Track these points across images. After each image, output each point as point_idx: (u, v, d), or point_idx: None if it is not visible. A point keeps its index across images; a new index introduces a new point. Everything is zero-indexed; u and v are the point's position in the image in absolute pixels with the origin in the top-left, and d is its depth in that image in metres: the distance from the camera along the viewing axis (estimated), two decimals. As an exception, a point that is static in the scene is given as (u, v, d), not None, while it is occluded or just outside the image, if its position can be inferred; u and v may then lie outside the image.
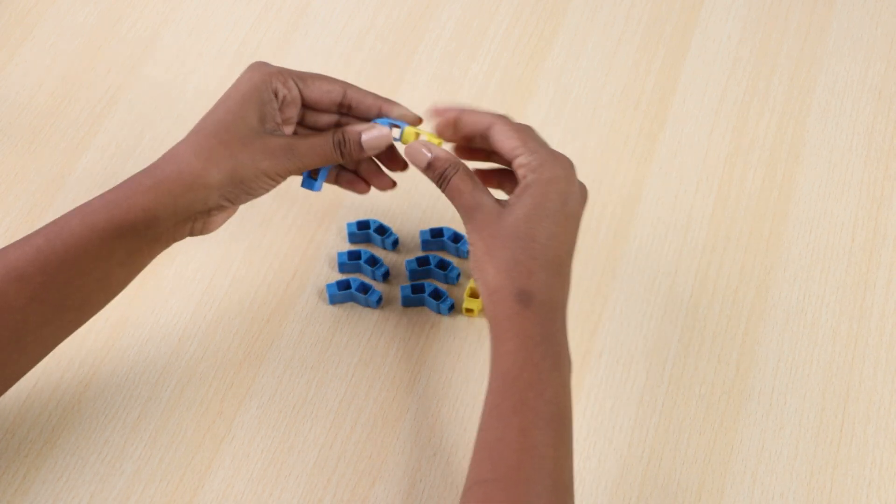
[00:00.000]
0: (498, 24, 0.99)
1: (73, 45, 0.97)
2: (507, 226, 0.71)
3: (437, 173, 0.74)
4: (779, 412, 0.80)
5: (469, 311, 0.83)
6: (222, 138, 0.72)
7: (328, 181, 0.80)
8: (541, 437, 0.67)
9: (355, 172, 0.80)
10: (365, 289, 0.83)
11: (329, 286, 0.83)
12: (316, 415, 0.79)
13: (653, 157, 0.91)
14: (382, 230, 0.86)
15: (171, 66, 0.96)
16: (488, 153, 0.77)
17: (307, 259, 0.86)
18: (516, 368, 0.69)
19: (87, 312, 0.73)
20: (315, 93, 0.76)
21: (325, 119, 0.78)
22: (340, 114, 0.78)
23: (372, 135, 0.75)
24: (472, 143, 0.76)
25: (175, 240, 0.74)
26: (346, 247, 0.86)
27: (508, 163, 0.74)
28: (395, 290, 0.84)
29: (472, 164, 0.76)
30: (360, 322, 0.83)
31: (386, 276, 0.84)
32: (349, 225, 0.86)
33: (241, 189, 0.73)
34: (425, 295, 0.83)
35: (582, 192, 0.74)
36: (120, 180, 0.73)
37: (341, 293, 0.83)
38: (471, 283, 0.83)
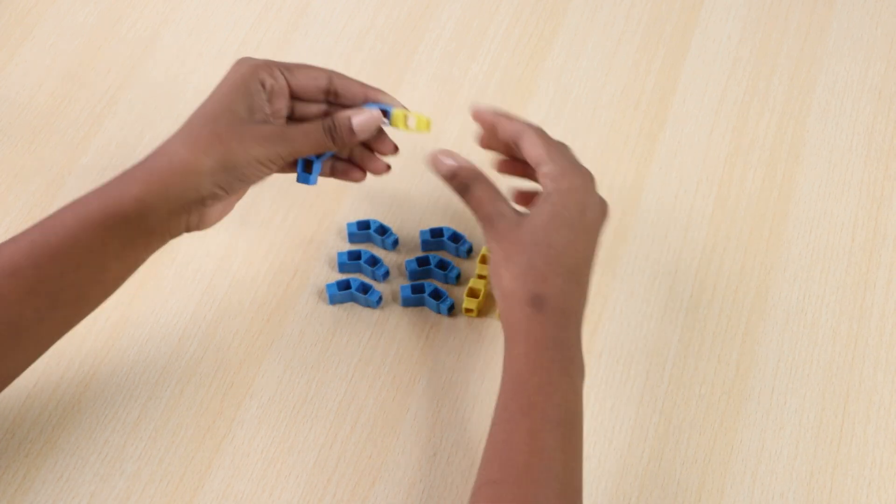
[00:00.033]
0: (498, 24, 0.99)
1: (73, 45, 0.97)
2: (525, 233, 0.72)
3: (459, 182, 0.75)
4: (779, 412, 0.80)
5: (469, 311, 0.83)
6: (212, 128, 0.73)
7: (323, 174, 0.80)
8: (550, 440, 0.67)
9: (348, 161, 0.80)
10: (365, 289, 0.83)
11: (329, 286, 0.83)
12: (316, 415, 0.79)
13: (653, 157, 0.91)
14: (382, 230, 0.86)
15: (171, 66, 0.96)
16: (524, 165, 0.78)
17: (307, 259, 0.86)
18: (527, 371, 0.69)
19: (83, 308, 0.73)
20: (302, 81, 0.77)
21: (314, 109, 0.78)
22: (328, 103, 0.78)
23: (362, 118, 0.76)
24: (506, 149, 0.78)
25: (171, 234, 0.74)
26: (346, 247, 0.86)
27: (534, 172, 0.76)
28: (395, 290, 0.84)
29: (509, 181, 0.80)
30: (360, 322, 0.83)
31: (386, 276, 0.84)
32: (349, 225, 0.86)
33: (233, 176, 0.73)
34: (425, 295, 0.83)
35: (602, 207, 0.75)
36: (120, 180, 0.73)
37: (341, 293, 0.83)
38: (470, 283, 0.83)
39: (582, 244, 0.73)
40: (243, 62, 0.76)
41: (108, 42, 0.97)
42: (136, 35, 0.98)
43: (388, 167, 0.80)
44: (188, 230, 0.75)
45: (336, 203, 0.88)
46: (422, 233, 0.86)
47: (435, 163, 0.77)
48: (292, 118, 0.78)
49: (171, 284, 0.84)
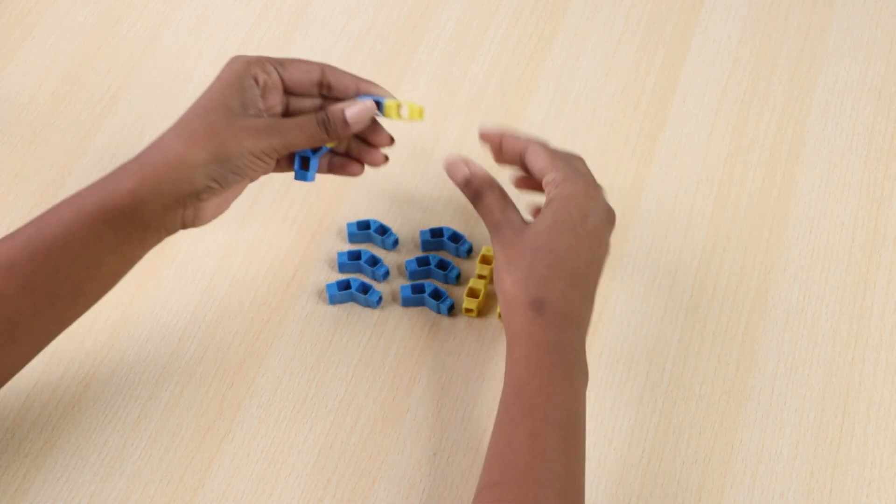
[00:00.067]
0: (498, 24, 0.99)
1: (73, 45, 0.97)
2: (527, 239, 0.73)
3: (473, 190, 0.77)
4: (779, 412, 0.80)
5: (469, 311, 0.83)
6: (205, 122, 0.73)
7: (321, 171, 0.80)
8: (551, 442, 0.67)
9: (346, 155, 0.81)
10: (365, 289, 0.83)
11: (329, 286, 0.83)
12: (316, 415, 0.79)
13: (653, 157, 0.91)
14: (382, 230, 0.86)
15: (171, 66, 0.96)
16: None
17: (307, 259, 0.86)
18: (527, 374, 0.70)
19: (80, 304, 0.73)
20: (294, 75, 0.77)
21: (309, 103, 0.79)
22: (322, 96, 0.79)
23: (355, 109, 0.76)
24: (514, 164, 0.79)
25: (166, 229, 0.74)
26: (346, 247, 0.86)
27: (540, 183, 0.77)
28: (395, 290, 0.84)
29: (530, 198, 0.81)
30: (360, 322, 0.83)
31: (386, 276, 0.84)
32: (349, 225, 0.86)
33: (227, 168, 0.73)
34: (425, 295, 0.83)
35: (608, 214, 0.76)
36: (120, 180, 0.73)
37: (341, 293, 0.83)
38: (470, 283, 0.83)
39: (585, 249, 0.74)
40: (236, 59, 0.76)
41: (108, 42, 0.97)
42: (136, 35, 0.98)
43: (386, 158, 0.81)
44: (184, 226, 0.75)
45: (336, 203, 0.88)
46: (422, 233, 0.86)
47: (451, 170, 0.79)
48: (287, 114, 0.79)
49: (171, 284, 0.84)
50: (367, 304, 0.83)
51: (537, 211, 0.81)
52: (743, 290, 0.85)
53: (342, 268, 0.85)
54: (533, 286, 0.72)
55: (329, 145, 0.79)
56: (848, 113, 0.94)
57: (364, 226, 0.86)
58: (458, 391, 0.80)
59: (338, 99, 0.78)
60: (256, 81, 0.75)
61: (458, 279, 0.85)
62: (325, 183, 0.88)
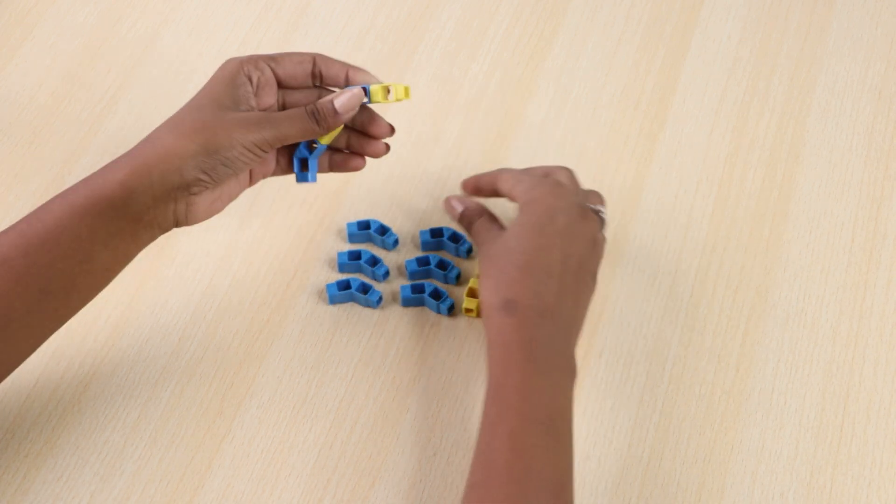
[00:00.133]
0: (498, 24, 0.99)
1: (73, 45, 0.97)
2: (499, 246, 0.76)
3: (466, 221, 0.83)
4: (779, 412, 0.80)
5: (469, 311, 0.83)
6: (197, 117, 0.74)
7: (322, 171, 0.81)
8: (531, 439, 0.68)
9: (346, 151, 0.81)
10: (365, 289, 0.83)
11: (329, 286, 0.83)
12: (316, 415, 0.79)
13: (653, 157, 0.91)
14: (382, 230, 0.86)
15: (171, 66, 0.96)
16: None
17: (307, 259, 0.86)
18: (502, 375, 0.71)
19: (74, 300, 0.72)
20: (288, 68, 0.78)
21: (304, 98, 0.79)
22: (316, 87, 0.79)
23: (344, 98, 0.77)
24: (492, 195, 0.83)
25: (159, 225, 0.74)
26: (346, 247, 0.86)
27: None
28: (395, 290, 0.84)
29: None
30: (360, 322, 0.83)
31: (386, 276, 0.84)
32: (349, 225, 0.86)
33: (217, 160, 0.73)
34: (425, 295, 0.83)
35: (579, 210, 0.77)
36: (120, 180, 0.73)
37: (341, 293, 0.83)
38: (470, 283, 0.83)
39: (556, 247, 0.75)
40: (230, 61, 0.77)
41: (108, 42, 0.97)
42: (136, 35, 0.98)
43: (388, 147, 0.81)
44: (177, 223, 0.74)
45: (336, 203, 0.88)
46: (422, 233, 0.86)
47: (446, 208, 0.85)
48: (283, 110, 0.79)
49: (171, 284, 0.84)
50: (367, 304, 0.83)
51: None
52: (743, 289, 0.85)
53: (342, 268, 0.85)
54: (504, 288, 0.74)
55: (324, 142, 0.78)
56: (848, 113, 0.94)
57: (364, 226, 0.86)
58: (458, 391, 0.80)
59: (330, 88, 0.79)
60: (250, 79, 0.76)
61: (458, 279, 0.85)
62: (325, 183, 0.88)
